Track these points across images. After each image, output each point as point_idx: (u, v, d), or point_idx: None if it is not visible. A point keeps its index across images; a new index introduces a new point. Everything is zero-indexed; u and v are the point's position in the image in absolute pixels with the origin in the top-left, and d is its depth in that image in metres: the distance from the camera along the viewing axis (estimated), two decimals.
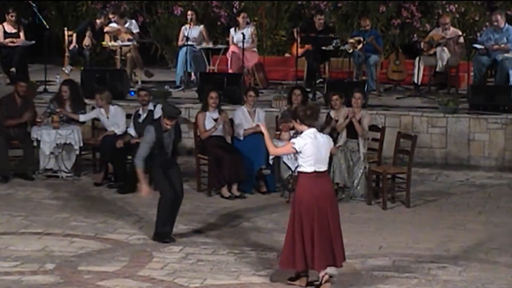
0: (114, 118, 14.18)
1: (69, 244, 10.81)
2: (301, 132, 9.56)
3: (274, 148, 9.82)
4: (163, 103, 13.29)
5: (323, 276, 9.38)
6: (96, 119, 14.55)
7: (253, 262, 10.13)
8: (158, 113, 13.93)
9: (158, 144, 10.83)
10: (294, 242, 9.38)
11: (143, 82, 18.00)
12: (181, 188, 11.15)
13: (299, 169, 9.58)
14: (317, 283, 9.43)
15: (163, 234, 10.93)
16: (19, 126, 14.34)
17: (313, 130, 9.51)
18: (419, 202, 13.28)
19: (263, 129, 9.81)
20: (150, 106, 14.00)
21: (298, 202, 9.43)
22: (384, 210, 12.85)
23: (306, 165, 9.41)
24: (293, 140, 9.56)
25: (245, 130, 13.69)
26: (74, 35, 18.43)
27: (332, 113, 13.76)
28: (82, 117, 14.49)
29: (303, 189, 9.43)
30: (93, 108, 14.76)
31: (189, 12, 18.32)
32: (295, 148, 9.40)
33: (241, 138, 13.73)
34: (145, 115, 13.87)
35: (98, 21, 18.62)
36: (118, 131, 14.06)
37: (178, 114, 11.12)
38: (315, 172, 9.42)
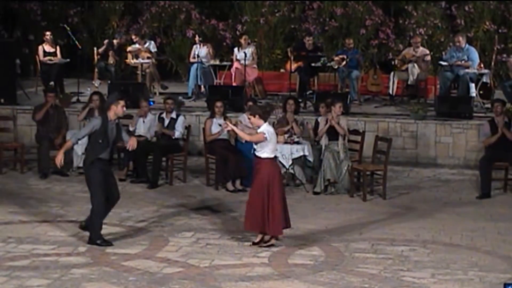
0: (149, 123, 14.13)
1: None
2: (258, 126, 9.97)
3: (249, 136, 10.25)
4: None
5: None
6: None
7: (253, 246, 10.13)
8: (180, 123, 13.98)
9: (103, 132, 10.00)
10: (281, 212, 9.94)
11: (160, 93, 18.02)
12: (118, 190, 10.36)
13: (263, 155, 9.91)
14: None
15: (101, 236, 10.17)
16: (57, 132, 14.35)
17: (267, 123, 9.98)
18: (394, 194, 13.28)
19: (231, 127, 10.30)
20: (173, 115, 14.03)
21: (268, 181, 9.87)
22: (364, 201, 12.85)
23: (270, 152, 9.90)
24: (262, 130, 9.86)
25: None
26: (97, 55, 18.45)
27: (320, 119, 13.77)
28: (130, 127, 14.33)
29: (271, 171, 9.91)
30: (128, 116, 14.68)
31: (196, 37, 18.39)
32: (266, 137, 9.81)
33: (243, 141, 13.73)
34: (167, 121, 13.93)
35: (115, 41, 18.65)
36: (151, 134, 14.06)
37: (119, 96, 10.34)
38: (275, 157, 10.04)
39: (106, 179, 10.13)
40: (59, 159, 10.13)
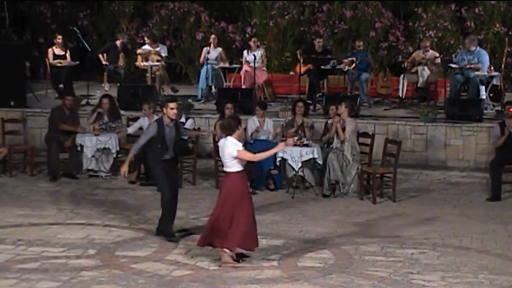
0: None
1: (108, 233, 10.83)
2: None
3: (254, 157, 9.56)
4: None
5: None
6: (140, 128, 14.45)
7: (263, 248, 10.10)
8: (188, 126, 14.01)
9: (159, 137, 10.19)
10: (245, 227, 9.42)
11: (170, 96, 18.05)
12: (177, 190, 10.56)
13: (231, 170, 9.41)
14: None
15: (171, 233, 10.43)
16: (68, 134, 14.39)
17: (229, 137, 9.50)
18: (404, 197, 13.27)
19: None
20: (182, 119, 14.03)
21: (236, 195, 9.43)
22: (374, 204, 12.83)
23: (238, 165, 9.41)
24: (236, 147, 9.35)
25: (251, 134, 13.83)
26: (101, 56, 18.39)
27: (330, 122, 13.78)
28: (129, 130, 14.50)
29: (239, 185, 9.44)
30: (136, 118, 14.71)
31: (212, 36, 18.39)
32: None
33: (251, 141, 13.76)
34: None
35: (118, 42, 18.64)
36: None
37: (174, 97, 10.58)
38: (242, 170, 9.52)
39: (170, 176, 10.33)
40: (124, 170, 10.36)
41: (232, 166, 9.43)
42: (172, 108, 10.24)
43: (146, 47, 18.38)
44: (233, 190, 9.43)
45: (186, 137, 13.46)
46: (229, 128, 9.47)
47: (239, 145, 9.42)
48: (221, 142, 9.53)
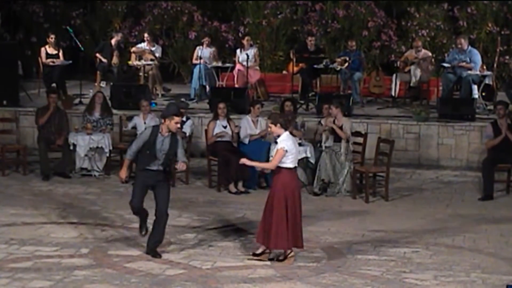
0: (150, 124, 14.08)
1: (100, 232, 10.82)
2: (278, 136, 9.52)
3: (272, 163, 9.55)
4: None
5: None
6: (133, 127, 14.43)
7: (255, 247, 10.10)
8: (188, 124, 14.01)
9: (151, 143, 9.63)
10: (289, 226, 9.46)
11: (162, 95, 18.03)
12: (166, 208, 9.73)
13: (282, 165, 9.41)
14: (281, 258, 9.65)
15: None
16: (59, 133, 14.36)
17: (288, 132, 9.54)
18: (396, 196, 13.28)
19: (250, 163, 9.92)
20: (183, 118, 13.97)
21: (283, 193, 9.42)
22: (367, 203, 12.85)
23: (289, 161, 9.42)
24: (279, 145, 9.40)
25: (251, 136, 13.75)
26: (98, 54, 18.35)
27: (323, 121, 13.78)
28: (130, 124, 14.43)
29: (287, 182, 9.42)
30: (131, 117, 14.67)
31: (205, 38, 18.32)
32: (286, 150, 9.35)
33: (247, 142, 13.76)
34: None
35: (113, 40, 18.56)
36: None
37: (180, 108, 10.16)
38: (295, 167, 9.53)
39: (155, 191, 9.74)
40: (123, 175, 10.04)
41: (285, 161, 9.39)
42: (176, 122, 9.68)
43: (142, 45, 18.31)
44: (285, 186, 9.43)
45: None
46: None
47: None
48: (287, 137, 9.47)
